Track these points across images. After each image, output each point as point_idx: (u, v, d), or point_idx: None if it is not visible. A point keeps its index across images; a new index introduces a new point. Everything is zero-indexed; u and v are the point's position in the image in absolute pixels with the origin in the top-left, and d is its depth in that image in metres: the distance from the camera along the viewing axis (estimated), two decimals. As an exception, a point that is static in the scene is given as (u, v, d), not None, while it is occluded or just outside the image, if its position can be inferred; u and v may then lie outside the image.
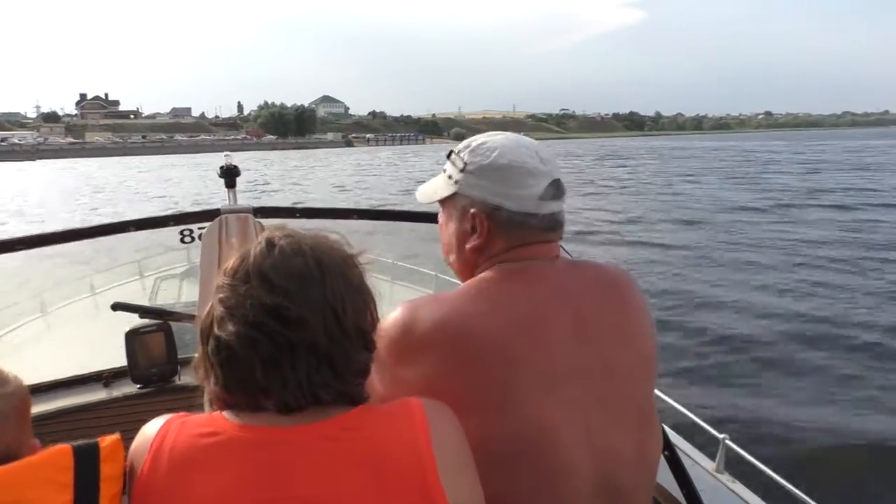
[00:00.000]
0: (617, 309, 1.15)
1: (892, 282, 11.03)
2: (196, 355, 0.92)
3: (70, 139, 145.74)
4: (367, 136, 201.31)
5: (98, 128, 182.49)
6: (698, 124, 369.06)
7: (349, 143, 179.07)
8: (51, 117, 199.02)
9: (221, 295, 0.87)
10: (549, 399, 1.04)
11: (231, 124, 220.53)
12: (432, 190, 1.28)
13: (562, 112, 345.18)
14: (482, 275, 1.15)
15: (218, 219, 1.74)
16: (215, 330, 0.86)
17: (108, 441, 0.86)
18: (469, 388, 1.02)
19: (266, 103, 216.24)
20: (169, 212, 1.52)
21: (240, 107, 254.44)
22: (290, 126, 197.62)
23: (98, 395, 2.17)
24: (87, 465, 0.83)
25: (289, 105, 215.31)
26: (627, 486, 1.09)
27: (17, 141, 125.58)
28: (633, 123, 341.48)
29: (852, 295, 10.38)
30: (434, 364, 1.04)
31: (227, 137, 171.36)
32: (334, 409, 0.86)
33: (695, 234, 16.66)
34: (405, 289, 4.30)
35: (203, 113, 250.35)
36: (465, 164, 1.18)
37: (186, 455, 0.82)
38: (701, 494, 1.48)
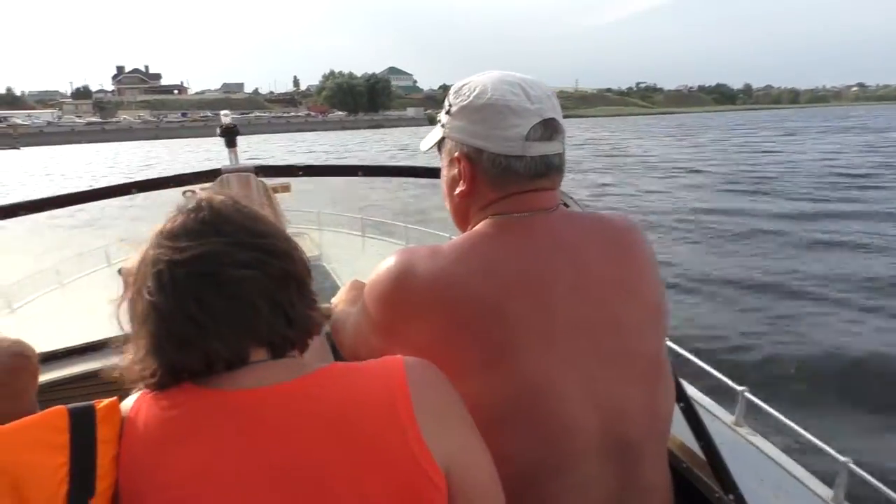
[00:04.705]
0: (620, 260, 1.10)
1: None
2: (128, 332, 0.89)
3: (89, 119, 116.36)
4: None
5: (135, 105, 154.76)
6: (794, 97, 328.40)
7: (432, 120, 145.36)
8: (82, 93, 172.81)
9: (158, 251, 0.85)
10: (550, 357, 1.01)
11: (288, 100, 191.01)
12: (430, 137, 1.24)
13: (642, 85, 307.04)
14: (476, 229, 1.11)
15: (219, 178, 1.72)
16: (155, 296, 0.83)
17: (104, 403, 0.84)
18: (466, 350, 1.00)
19: (332, 72, 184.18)
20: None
21: (296, 81, 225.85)
22: (360, 100, 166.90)
23: (111, 360, 2.27)
24: (83, 426, 0.81)
25: (358, 74, 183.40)
26: (636, 440, 1.07)
27: (18, 121, 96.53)
28: (722, 97, 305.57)
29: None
30: (429, 326, 1.01)
31: (286, 114, 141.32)
32: (307, 367, 0.86)
33: None
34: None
35: (256, 89, 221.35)
36: (450, 105, 1.14)
37: (160, 431, 0.81)
38: (720, 448, 1.44)
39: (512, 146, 1.07)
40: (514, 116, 1.06)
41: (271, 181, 1.79)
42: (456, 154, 1.13)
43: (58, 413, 0.82)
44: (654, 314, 1.12)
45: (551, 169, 1.10)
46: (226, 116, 1.84)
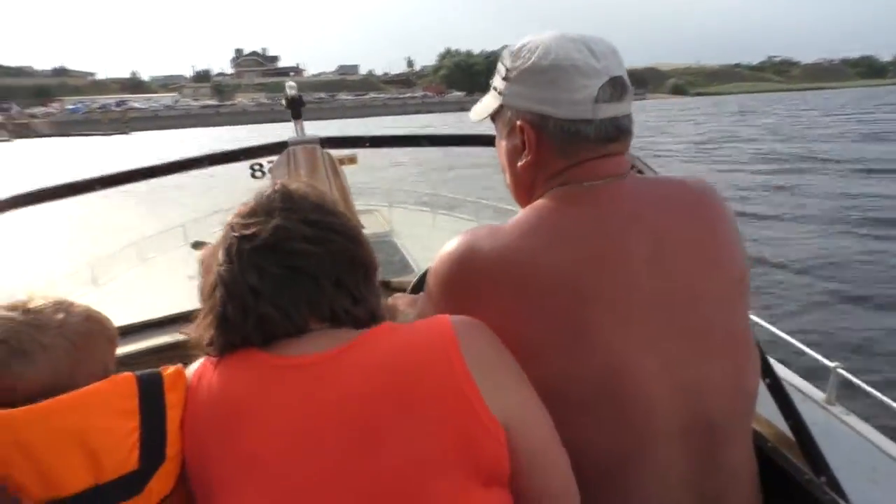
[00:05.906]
0: (699, 229, 1.02)
1: None
2: (200, 307, 0.91)
3: (204, 102, 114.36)
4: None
5: (252, 88, 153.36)
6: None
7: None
8: (202, 77, 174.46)
9: (230, 232, 0.89)
10: (628, 334, 0.94)
11: (403, 81, 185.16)
12: (483, 107, 1.15)
13: (775, 59, 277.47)
14: (541, 201, 1.02)
15: (286, 151, 1.72)
16: (222, 267, 0.87)
17: (170, 370, 0.86)
18: (539, 330, 0.94)
19: (448, 51, 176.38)
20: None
21: (410, 62, 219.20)
22: (478, 79, 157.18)
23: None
24: (151, 393, 0.82)
25: (475, 52, 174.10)
26: (720, 419, 1.00)
27: (136, 105, 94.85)
28: (869, 70, 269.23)
29: None
30: (497, 307, 0.95)
31: (402, 95, 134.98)
32: (355, 332, 0.86)
33: None
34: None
35: (371, 70, 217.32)
36: (508, 70, 1.05)
37: (222, 395, 0.82)
38: (810, 428, 1.37)
39: (581, 109, 0.99)
40: (582, 77, 0.98)
41: (337, 153, 1.76)
42: (518, 122, 1.04)
43: (126, 379, 0.83)
44: (737, 285, 1.04)
45: (622, 132, 1.02)
46: (291, 88, 1.79)
